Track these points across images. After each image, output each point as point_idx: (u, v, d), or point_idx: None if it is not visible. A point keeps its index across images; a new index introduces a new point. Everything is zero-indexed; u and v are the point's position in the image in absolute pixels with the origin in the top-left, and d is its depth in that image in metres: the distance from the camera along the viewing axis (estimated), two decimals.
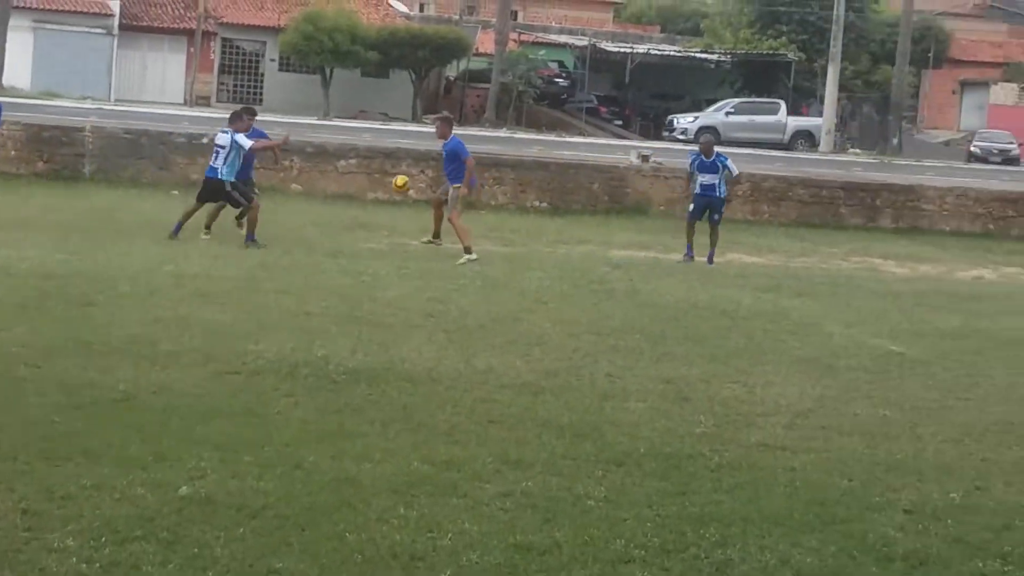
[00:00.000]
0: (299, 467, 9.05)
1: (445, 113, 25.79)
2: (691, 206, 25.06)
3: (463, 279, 19.37)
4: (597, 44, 67.08)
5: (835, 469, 10.02)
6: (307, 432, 10.09)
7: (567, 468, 9.53)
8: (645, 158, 34.28)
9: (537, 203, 31.81)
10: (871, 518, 8.74)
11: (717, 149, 25.29)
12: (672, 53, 68.45)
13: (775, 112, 62.14)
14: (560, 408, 11.47)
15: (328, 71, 59.26)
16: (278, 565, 7.18)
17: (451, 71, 66.63)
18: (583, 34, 70.21)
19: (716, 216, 24.79)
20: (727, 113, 61.50)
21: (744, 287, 21.00)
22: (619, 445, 10.29)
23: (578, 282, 20.13)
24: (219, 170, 21.78)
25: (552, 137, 52.11)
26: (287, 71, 62.56)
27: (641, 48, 67.74)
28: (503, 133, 52.41)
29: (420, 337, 14.53)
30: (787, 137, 61.06)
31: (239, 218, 22.63)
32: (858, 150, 62.46)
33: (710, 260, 24.36)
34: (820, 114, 62.25)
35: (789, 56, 64.95)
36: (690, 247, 24.55)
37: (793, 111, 67.06)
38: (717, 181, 24.77)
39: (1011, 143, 64.17)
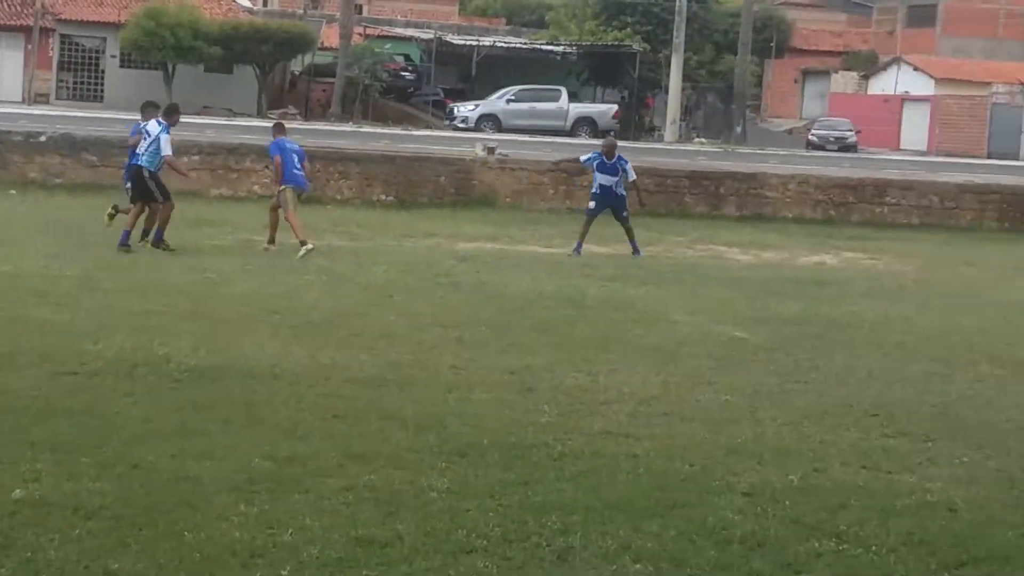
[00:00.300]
0: (138, 467, 8.93)
1: (276, 120, 25.49)
2: (591, 204, 25.09)
3: (308, 275, 19.25)
4: (443, 37, 66.96)
5: (677, 455, 10.11)
6: (147, 431, 9.96)
7: (410, 461, 9.51)
8: (491, 150, 34.30)
9: (383, 197, 31.69)
10: (711, 502, 8.84)
11: (618, 153, 25.40)
12: (518, 45, 68.59)
13: (556, 99, 61.95)
14: (404, 401, 11.45)
15: (170, 67, 58.52)
16: (114, 566, 7.08)
17: (296, 65, 66.12)
18: (429, 27, 70.08)
19: (624, 214, 25.08)
20: (508, 101, 61.10)
21: (591, 277, 21.12)
22: (463, 436, 10.28)
23: (424, 275, 20.10)
24: (140, 156, 21.45)
25: (398, 131, 51.99)
26: (128, 67, 61.61)
27: (487, 41, 67.80)
28: (349, 127, 52.16)
29: (264, 333, 14.41)
30: (569, 124, 60.79)
31: (117, 212, 22.05)
32: (703, 139, 63.07)
33: (636, 252, 24.74)
34: (667, 104, 62.77)
35: (634, 47, 65.35)
36: (580, 243, 24.66)
37: (639, 101, 67.68)
38: (615, 183, 24.81)
39: (848, 131, 65.26)
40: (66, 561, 7.10)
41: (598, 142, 31.59)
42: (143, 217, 21.66)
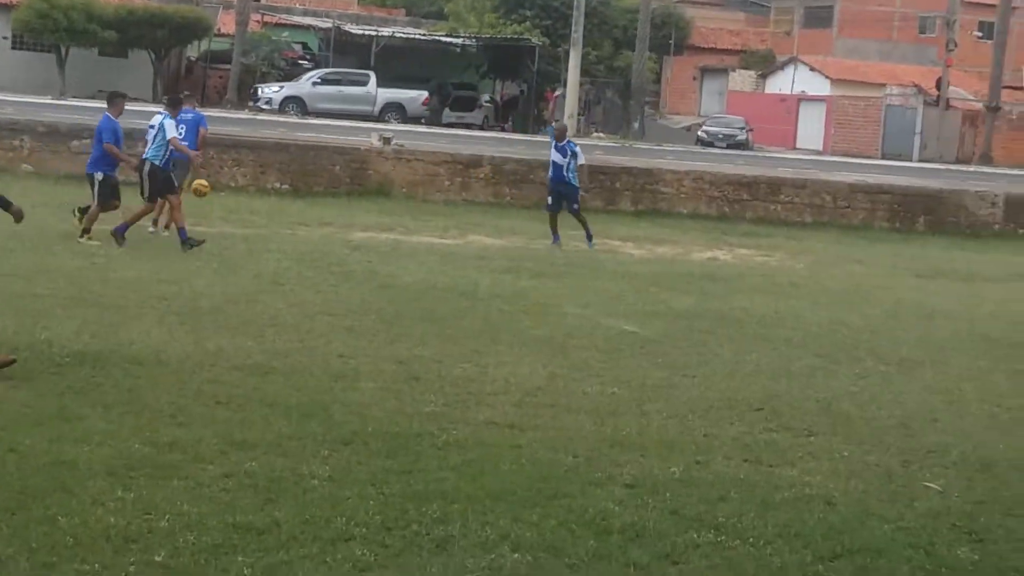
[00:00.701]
0: (13, 451, 8.82)
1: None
2: (548, 199, 26.19)
3: (199, 261, 19.08)
4: (341, 26, 66.65)
5: (561, 446, 10.12)
6: (24, 415, 9.83)
7: (292, 448, 9.46)
8: (387, 140, 34.18)
9: (278, 185, 31.47)
10: (593, 493, 8.86)
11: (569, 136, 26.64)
12: (417, 37, 68.47)
13: (365, 83, 61.46)
14: (289, 389, 11.39)
15: (64, 50, 57.81)
16: None
17: (193, 51, 65.56)
18: (327, 16, 69.79)
19: (575, 206, 25.89)
20: (314, 83, 60.82)
21: (484, 269, 21.10)
22: (347, 425, 10.25)
23: (317, 264, 19.99)
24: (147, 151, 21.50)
25: (295, 119, 51.67)
26: (20, 49, 60.78)
27: (386, 31, 67.57)
28: (245, 115, 51.81)
29: (150, 319, 14.27)
30: (377, 109, 60.52)
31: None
32: (602, 134, 63.34)
33: (589, 240, 25.68)
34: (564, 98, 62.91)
35: (533, 41, 65.47)
36: (556, 232, 25.70)
37: (538, 95, 67.73)
38: (565, 164, 25.68)
39: (740, 128, 65.73)
40: None
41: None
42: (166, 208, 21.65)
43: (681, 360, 14.36)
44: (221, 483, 8.48)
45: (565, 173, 25.69)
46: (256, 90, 60.09)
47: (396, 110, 60.64)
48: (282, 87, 60.23)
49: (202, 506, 7.96)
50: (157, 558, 7.06)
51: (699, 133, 66.05)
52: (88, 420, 9.84)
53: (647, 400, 12.08)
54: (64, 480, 8.26)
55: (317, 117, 54.99)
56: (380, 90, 61.73)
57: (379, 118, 58.47)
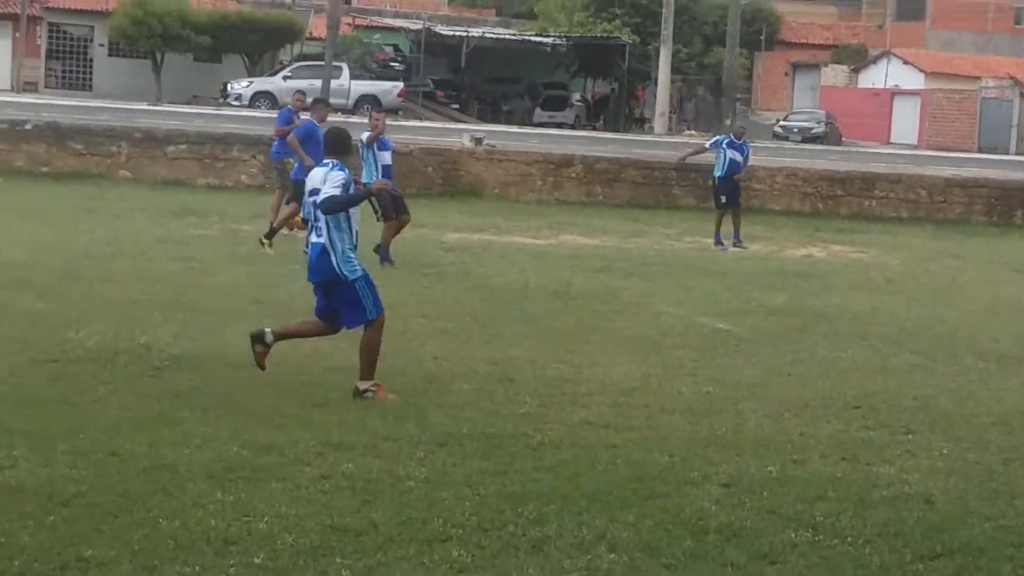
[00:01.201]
0: (115, 454, 8.92)
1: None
2: (722, 198, 26.74)
3: (294, 264, 19.19)
4: (432, 28, 66.91)
5: (656, 446, 10.10)
6: (125, 420, 9.95)
7: (389, 450, 9.50)
8: (478, 141, 34.27)
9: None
10: (689, 492, 8.83)
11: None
12: (507, 37, 68.55)
13: (337, 77, 58.66)
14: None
15: (159, 56, 58.46)
16: (88, 552, 7.06)
17: (285, 55, 66.04)
18: (417, 18, 70.00)
19: (738, 201, 27.03)
20: (284, 78, 58.61)
21: (576, 268, 21.11)
22: (442, 426, 10.28)
23: (410, 265, 20.09)
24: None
25: (388, 121, 51.74)
26: (117, 56, 61.55)
27: (476, 32, 67.69)
28: (339, 118, 52.07)
29: (247, 322, 14.30)
30: (351, 102, 58.84)
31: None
32: (694, 131, 63.11)
33: (739, 242, 26.36)
34: (655, 96, 62.74)
35: (623, 39, 65.35)
36: (719, 231, 26.40)
37: (629, 93, 67.59)
38: (741, 161, 26.84)
39: (817, 122, 65.10)
40: (40, 547, 7.08)
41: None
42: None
43: (775, 358, 14.29)
44: (319, 485, 8.54)
45: (740, 169, 26.68)
46: (225, 85, 58.91)
47: (371, 102, 58.09)
48: (251, 82, 58.91)
49: (300, 508, 8.02)
50: (256, 560, 7.11)
51: (775, 128, 65.55)
52: (187, 423, 9.94)
53: (742, 399, 12.03)
54: (164, 483, 8.35)
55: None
56: (353, 82, 60.14)
57: (353, 111, 56.91)
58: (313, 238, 11.46)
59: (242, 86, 58.21)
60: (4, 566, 6.81)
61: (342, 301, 11.38)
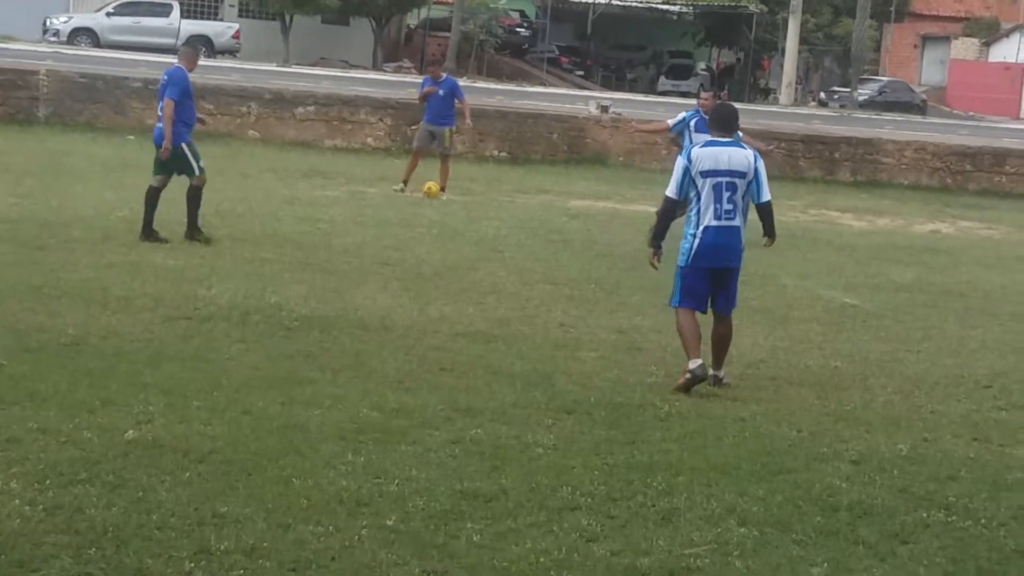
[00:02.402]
0: (247, 413, 9.03)
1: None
2: None
3: (420, 227, 19.32)
4: None
5: (784, 419, 10.05)
6: (257, 378, 10.06)
7: (517, 416, 9.53)
8: (604, 108, 34.19)
9: (496, 152, 31.70)
10: (818, 468, 8.78)
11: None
12: (634, 4, 68.22)
13: (167, 14, 56.36)
14: (512, 357, 11.48)
15: (288, 17, 58.81)
16: (223, 509, 7.16)
17: (412, 19, 66.25)
18: None
19: None
20: (108, 14, 55.91)
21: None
22: (570, 394, 10.30)
23: (536, 232, 20.10)
24: None
25: (512, 87, 51.92)
26: (247, 17, 62.00)
27: None
28: (463, 82, 52.05)
29: (374, 285, 14.50)
30: (179, 42, 50.43)
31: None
32: (819, 103, 62.47)
33: None
34: (782, 67, 62.16)
35: (751, 8, 64.79)
36: None
37: (755, 63, 67.04)
38: None
39: (876, 91, 63.73)
40: (176, 503, 7.20)
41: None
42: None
43: (904, 334, 14.15)
44: (448, 449, 8.58)
45: None
46: (45, 21, 55.47)
47: (202, 43, 51.23)
48: (71, 17, 55.81)
49: (430, 472, 8.07)
50: (388, 522, 7.17)
51: (820, 96, 64.03)
52: (317, 384, 10.04)
53: (871, 375, 11.93)
54: (296, 443, 8.44)
55: (112, 49, 50.45)
56: (184, 22, 56.76)
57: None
58: (726, 221, 10.93)
59: (60, 21, 55.20)
60: (143, 520, 6.92)
61: (731, 285, 11.17)
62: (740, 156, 10.89)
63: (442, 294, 14.25)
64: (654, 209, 24.46)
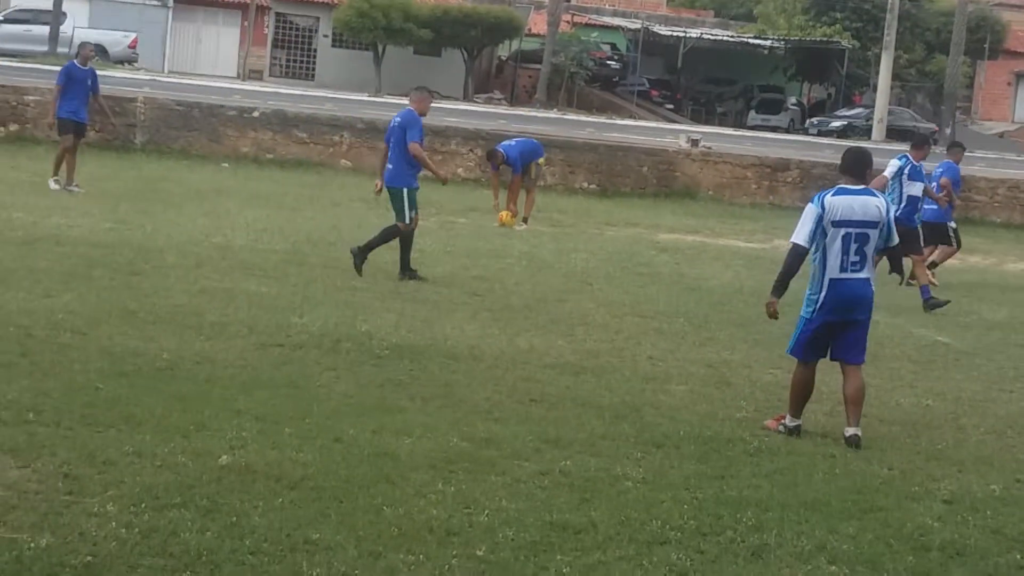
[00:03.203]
0: (339, 440, 9.08)
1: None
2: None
3: (509, 259, 19.39)
4: (650, 27, 66.81)
5: (875, 457, 9.99)
6: (348, 406, 10.14)
7: (606, 448, 9.54)
8: (695, 142, 34.18)
9: (586, 184, 31.77)
10: (909, 507, 8.72)
11: None
12: (725, 38, 68.11)
13: (62, 23, 53.21)
14: (601, 389, 11.49)
15: (380, 48, 59.28)
16: (315, 536, 7.21)
17: (503, 51, 66.53)
18: (636, 17, 69.95)
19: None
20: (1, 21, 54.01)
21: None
22: (659, 427, 10.29)
23: (624, 264, 20.12)
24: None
25: (603, 119, 51.96)
26: (340, 47, 62.57)
27: (694, 32, 67.44)
28: (554, 114, 52.32)
29: (464, 315, 14.56)
30: (72, 49, 47.12)
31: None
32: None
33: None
34: (873, 103, 61.76)
35: (843, 43, 64.51)
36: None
37: (846, 98, 66.67)
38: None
39: (853, 119, 62.74)
40: (269, 528, 7.26)
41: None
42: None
43: (996, 373, 14.03)
44: (537, 480, 8.60)
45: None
46: None
47: (97, 52, 48.64)
48: None
49: (520, 503, 8.09)
50: (479, 552, 7.19)
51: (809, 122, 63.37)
52: (408, 412, 10.10)
53: (963, 414, 11.83)
54: (387, 471, 8.49)
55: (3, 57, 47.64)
56: (79, 30, 53.07)
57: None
58: (851, 274, 10.63)
59: None
60: (236, 545, 6.98)
61: (861, 336, 10.96)
62: (872, 205, 10.57)
63: (531, 325, 14.29)
64: (743, 244, 24.53)
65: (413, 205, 16.98)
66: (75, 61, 23.41)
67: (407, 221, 16.88)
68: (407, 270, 16.76)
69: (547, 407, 10.68)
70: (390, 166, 17.00)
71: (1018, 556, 7.89)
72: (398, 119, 17.07)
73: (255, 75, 60.57)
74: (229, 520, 7.34)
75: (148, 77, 46.76)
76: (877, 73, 61.94)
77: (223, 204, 22.11)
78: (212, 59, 62.41)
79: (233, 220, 20.53)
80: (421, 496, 8.05)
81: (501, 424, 9.97)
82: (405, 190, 16.88)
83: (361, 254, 16.69)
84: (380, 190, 17.44)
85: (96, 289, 14.01)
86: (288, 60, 63.59)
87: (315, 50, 63.64)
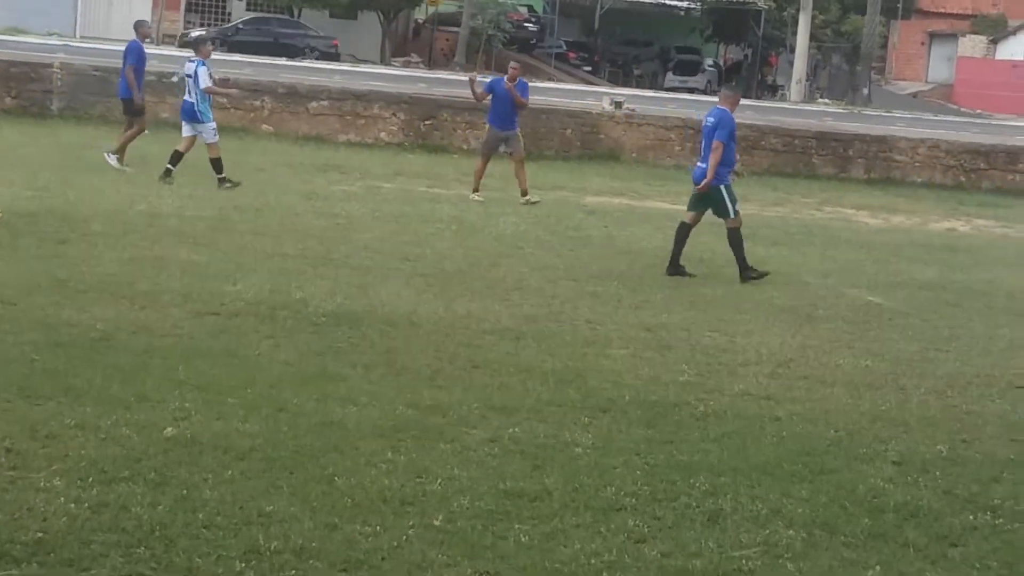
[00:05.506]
0: (283, 409, 8.96)
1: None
2: None
3: (439, 223, 19.25)
4: None
5: (820, 419, 9.98)
6: (290, 374, 10.00)
7: (553, 415, 9.47)
8: (618, 104, 34.11)
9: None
10: (860, 469, 8.71)
11: None
12: (642, 0, 68.11)
13: None
14: (542, 354, 11.41)
15: (296, 11, 58.79)
16: (268, 508, 7.09)
17: (420, 14, 66.18)
18: None
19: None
20: None
21: (719, 235, 20.76)
22: (603, 392, 10.23)
23: (554, 228, 20.04)
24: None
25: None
26: (255, 10, 61.97)
27: None
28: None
29: (398, 281, 14.43)
30: None
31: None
32: (827, 100, 62.32)
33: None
34: (790, 64, 62.01)
35: (759, 4, 64.71)
36: None
37: (763, 59, 66.91)
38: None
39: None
40: (221, 501, 7.12)
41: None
42: None
43: (931, 333, 14.09)
44: (487, 448, 8.51)
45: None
46: None
47: None
48: None
49: (472, 471, 8.00)
50: (435, 522, 7.09)
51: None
52: (350, 380, 9.97)
53: (902, 374, 11.85)
54: (335, 440, 8.37)
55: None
56: None
57: None
58: None
59: None
60: (189, 518, 6.85)
61: None
62: None
63: (467, 290, 14.18)
64: (669, 205, 24.49)
65: (733, 199, 16.76)
66: (138, 39, 23.35)
67: (732, 215, 16.72)
68: (747, 269, 16.65)
69: (490, 373, 10.58)
70: (701, 164, 16.73)
71: (971, 517, 7.88)
72: (712, 119, 16.73)
73: (169, 40, 59.79)
74: (180, 493, 7.20)
75: (60, 42, 46.11)
76: (793, 34, 62.17)
77: (145, 172, 21.78)
78: (126, 23, 61.29)
79: (157, 187, 20.24)
80: (372, 465, 7.94)
81: (445, 391, 9.88)
82: (722, 188, 16.64)
83: (743, 274, 16.62)
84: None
85: (23, 259, 13.78)
86: (203, 24, 62.79)
87: (230, 14, 62.98)
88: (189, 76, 21.68)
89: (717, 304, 14.75)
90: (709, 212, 16.99)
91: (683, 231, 16.90)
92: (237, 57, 44.84)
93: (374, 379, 10.08)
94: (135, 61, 22.60)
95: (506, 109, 22.89)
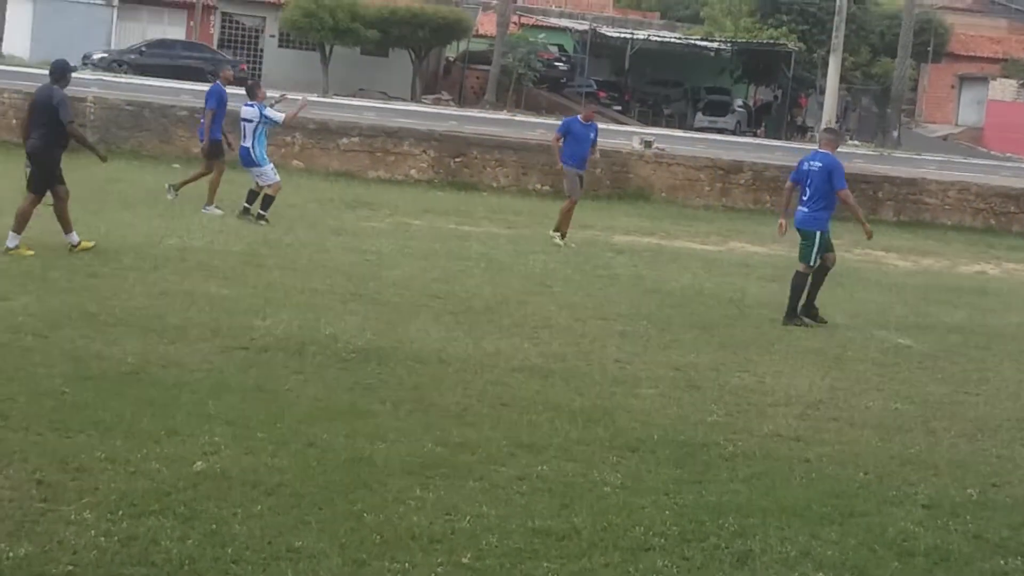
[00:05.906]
0: (312, 445, 8.97)
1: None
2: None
3: (467, 260, 19.28)
4: (597, 29, 66.81)
5: (850, 461, 9.95)
6: (319, 410, 10.02)
7: (581, 453, 9.45)
8: (648, 144, 34.15)
9: (539, 186, 31.65)
10: (890, 512, 8.67)
11: None
12: (672, 40, 68.17)
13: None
14: (571, 393, 11.40)
15: (327, 48, 59.01)
16: (297, 543, 7.10)
17: (451, 52, 66.37)
18: (583, 18, 69.97)
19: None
20: None
21: (749, 276, 20.93)
22: (632, 431, 10.22)
23: (582, 267, 20.05)
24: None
25: (552, 120, 51.81)
26: (286, 47, 62.28)
27: (641, 34, 67.46)
28: (503, 115, 52.21)
29: (427, 317, 14.44)
30: None
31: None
32: (857, 142, 62.26)
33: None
34: (820, 105, 61.95)
35: (789, 46, 64.68)
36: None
37: (792, 101, 66.89)
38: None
39: None
40: (250, 536, 7.13)
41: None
42: None
43: (961, 376, 14.04)
44: (516, 486, 8.51)
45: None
46: None
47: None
48: None
49: (500, 509, 7.99)
50: (464, 560, 7.09)
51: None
52: (379, 416, 9.98)
53: (932, 417, 11.81)
54: (364, 477, 8.37)
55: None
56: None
57: None
58: None
59: None
60: (218, 553, 6.86)
61: None
62: None
63: (495, 328, 14.19)
64: (698, 246, 24.50)
65: (822, 248, 16.85)
66: (220, 82, 23.49)
67: (811, 263, 16.77)
68: (795, 316, 16.64)
69: (518, 411, 10.58)
70: (804, 209, 16.78)
71: (1001, 562, 7.85)
72: (818, 164, 16.76)
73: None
74: (209, 528, 7.21)
75: (94, 77, 46.33)
76: (823, 76, 62.09)
77: (177, 206, 21.88)
78: None
79: (188, 221, 20.33)
80: (400, 502, 7.94)
81: (474, 428, 9.87)
82: (818, 233, 16.67)
83: (791, 315, 16.63)
84: (784, 230, 17.24)
85: (54, 291, 13.83)
86: (235, 60, 63.14)
87: (262, 50, 63.31)
88: (247, 121, 21.67)
89: (746, 345, 14.72)
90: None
91: (799, 281, 16.89)
92: (268, 93, 44.99)
93: (403, 416, 10.09)
94: (215, 105, 22.62)
95: (583, 149, 22.93)
